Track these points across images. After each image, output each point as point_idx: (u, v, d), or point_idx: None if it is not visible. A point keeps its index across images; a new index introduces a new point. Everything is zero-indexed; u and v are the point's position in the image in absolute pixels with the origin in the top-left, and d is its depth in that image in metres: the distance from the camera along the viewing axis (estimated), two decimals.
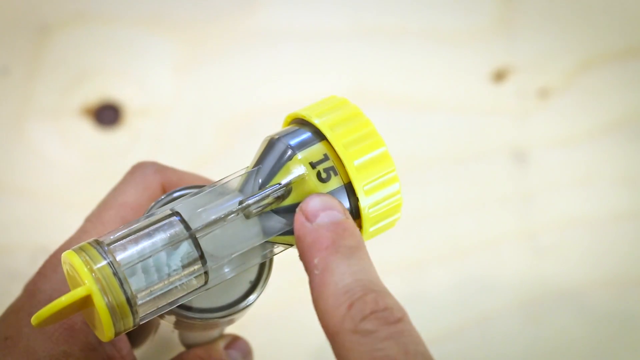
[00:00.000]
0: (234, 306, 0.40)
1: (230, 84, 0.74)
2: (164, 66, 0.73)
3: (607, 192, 0.76)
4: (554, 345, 0.73)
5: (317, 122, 0.39)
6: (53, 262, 0.42)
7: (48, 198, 0.69)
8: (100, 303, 0.35)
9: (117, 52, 0.73)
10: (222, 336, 0.46)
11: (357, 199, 0.38)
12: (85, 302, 0.35)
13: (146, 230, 0.37)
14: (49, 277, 0.42)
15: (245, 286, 0.41)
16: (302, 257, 0.37)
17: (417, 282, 0.72)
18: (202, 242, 0.37)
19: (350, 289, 0.35)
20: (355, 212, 0.39)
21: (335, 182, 0.38)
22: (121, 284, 0.35)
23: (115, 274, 0.35)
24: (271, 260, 0.42)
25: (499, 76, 0.77)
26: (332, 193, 0.38)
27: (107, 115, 0.71)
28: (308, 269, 0.36)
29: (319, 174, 0.38)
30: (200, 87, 0.74)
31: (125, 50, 0.73)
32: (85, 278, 0.35)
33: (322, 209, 0.37)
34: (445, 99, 0.76)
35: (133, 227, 0.37)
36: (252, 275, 0.41)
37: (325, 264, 0.36)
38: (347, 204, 0.38)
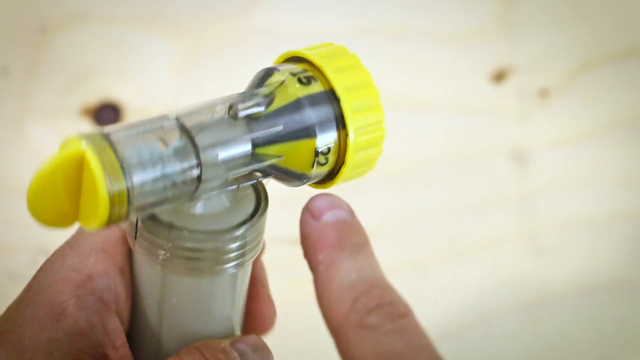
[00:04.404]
0: (226, 232, 0.39)
1: (230, 84, 0.74)
2: (164, 66, 0.73)
3: (607, 192, 0.76)
4: (554, 345, 0.73)
5: (303, 51, 0.39)
6: (52, 258, 0.42)
7: None
8: (93, 159, 0.34)
9: (117, 52, 0.73)
10: (227, 338, 0.45)
11: (341, 109, 0.38)
12: (77, 174, 0.35)
13: (144, 126, 0.37)
14: (45, 269, 0.41)
15: (240, 218, 0.40)
16: (307, 254, 0.37)
17: (417, 282, 0.72)
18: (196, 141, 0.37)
19: (355, 284, 0.35)
20: (340, 120, 0.38)
21: (316, 87, 0.38)
22: (114, 150, 0.35)
23: (108, 139, 0.35)
24: (266, 195, 0.41)
25: (499, 76, 0.77)
26: (314, 96, 0.38)
27: (107, 115, 0.71)
28: (312, 265, 0.36)
29: (299, 80, 0.38)
30: (200, 87, 0.74)
31: (125, 51, 0.73)
32: (79, 140, 0.34)
33: (328, 207, 0.37)
34: (445, 99, 0.76)
35: (131, 122, 0.37)
36: (248, 209, 0.41)
37: (331, 260, 0.35)
38: (331, 111, 0.38)
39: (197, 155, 0.37)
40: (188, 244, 0.38)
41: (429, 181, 0.74)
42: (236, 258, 0.39)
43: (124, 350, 0.41)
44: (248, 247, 0.39)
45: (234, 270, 0.40)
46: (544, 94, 0.77)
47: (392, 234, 0.73)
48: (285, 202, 0.48)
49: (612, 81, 0.78)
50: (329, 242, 0.36)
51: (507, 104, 0.77)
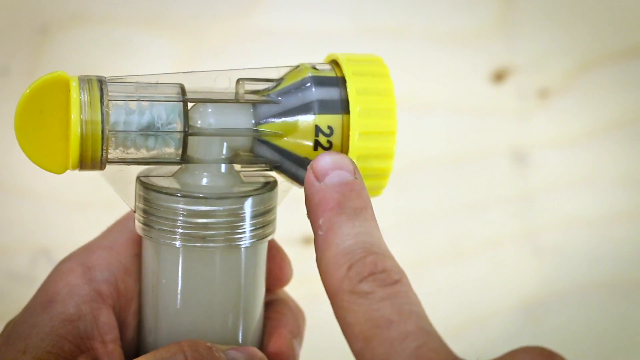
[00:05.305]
0: (222, 197, 0.38)
1: None
2: (163, 66, 0.73)
3: (607, 192, 0.76)
4: (554, 345, 0.73)
5: (336, 54, 0.40)
6: (65, 257, 0.42)
7: (48, 198, 0.69)
8: (74, 86, 0.36)
9: (117, 52, 0.73)
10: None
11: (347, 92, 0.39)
12: (63, 106, 0.36)
13: (143, 78, 0.38)
14: (55, 267, 0.41)
15: (242, 190, 0.39)
16: (309, 215, 0.37)
17: (417, 282, 0.72)
18: (191, 111, 0.38)
19: (351, 250, 0.35)
20: (344, 104, 0.39)
21: (328, 73, 0.39)
22: (101, 86, 0.36)
23: (100, 79, 0.36)
24: (275, 180, 0.41)
25: (499, 76, 0.77)
26: (322, 78, 0.39)
27: None
28: (313, 229, 0.37)
29: (314, 67, 0.40)
30: None
31: (125, 50, 0.73)
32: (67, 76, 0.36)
33: (331, 168, 0.37)
34: (445, 99, 0.76)
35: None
36: (255, 187, 0.40)
37: (330, 225, 0.36)
38: (336, 92, 0.39)
39: (185, 110, 0.37)
40: (177, 205, 0.38)
41: (428, 181, 0.74)
42: (226, 231, 0.39)
43: (113, 346, 0.40)
44: (247, 223, 0.39)
45: (228, 246, 0.39)
46: (544, 94, 0.77)
47: (392, 234, 0.73)
48: (288, 202, 0.48)
49: (612, 81, 0.78)
50: (329, 206, 0.36)
51: (507, 104, 0.77)
